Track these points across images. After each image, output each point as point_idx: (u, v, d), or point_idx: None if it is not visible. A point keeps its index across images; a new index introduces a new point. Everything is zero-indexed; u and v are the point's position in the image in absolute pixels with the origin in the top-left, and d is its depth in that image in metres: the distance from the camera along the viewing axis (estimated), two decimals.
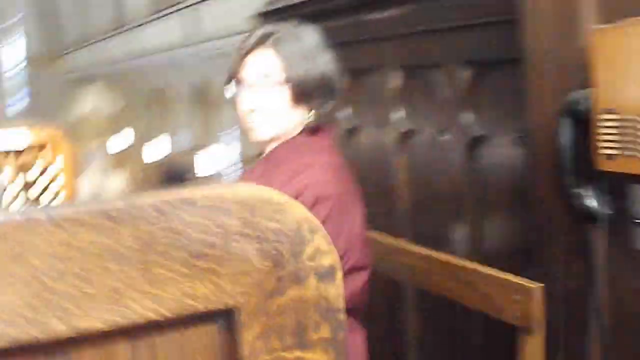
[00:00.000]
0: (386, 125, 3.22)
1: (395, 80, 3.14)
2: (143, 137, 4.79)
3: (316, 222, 1.23)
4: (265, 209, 1.18)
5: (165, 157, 4.70)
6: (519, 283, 2.10)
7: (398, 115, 3.14)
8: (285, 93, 2.21)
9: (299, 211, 1.21)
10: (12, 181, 2.71)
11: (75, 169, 3.01)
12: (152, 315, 1.14)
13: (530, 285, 2.07)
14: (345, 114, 3.45)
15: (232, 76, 2.25)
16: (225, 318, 1.19)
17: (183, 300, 1.15)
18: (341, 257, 2.13)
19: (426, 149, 3.03)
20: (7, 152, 2.78)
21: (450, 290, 2.35)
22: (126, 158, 4.60)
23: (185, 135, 5.47)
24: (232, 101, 2.32)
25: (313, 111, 2.26)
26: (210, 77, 5.23)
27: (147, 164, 4.35)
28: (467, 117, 2.78)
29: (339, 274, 1.27)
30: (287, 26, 2.23)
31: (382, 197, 3.29)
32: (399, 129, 3.14)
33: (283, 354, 1.25)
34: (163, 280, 1.14)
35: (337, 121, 2.48)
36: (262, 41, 2.20)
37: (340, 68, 2.34)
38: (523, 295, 2.06)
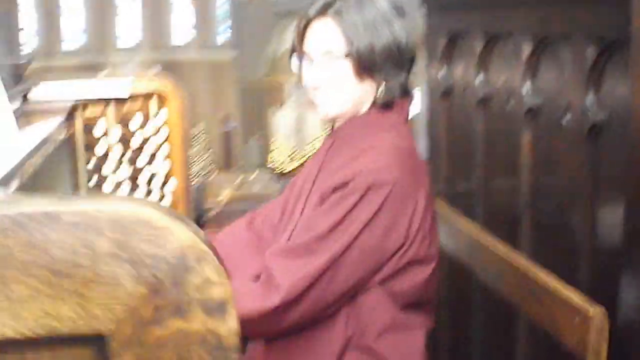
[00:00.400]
0: (515, 98, 2.89)
1: (525, 49, 2.80)
2: None
3: (206, 251, 1.07)
4: (142, 231, 1.05)
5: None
6: (579, 304, 1.79)
7: (526, 88, 2.81)
8: (349, 67, 2.00)
9: (185, 236, 1.06)
10: (105, 134, 2.78)
11: (184, 125, 3.06)
12: (10, 333, 1.06)
13: (589, 308, 1.75)
14: (479, 80, 3.16)
15: (294, 49, 2.09)
16: (97, 344, 1.09)
17: (45, 321, 1.06)
18: (398, 249, 1.96)
19: (549, 129, 2.69)
20: (107, 101, 2.80)
21: (520, 299, 2.08)
22: None
23: None
24: (298, 75, 2.16)
25: (383, 85, 2.02)
26: None
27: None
28: (590, 99, 2.41)
29: (232, 309, 1.11)
30: None
31: (504, 174, 2.99)
32: (526, 103, 2.81)
33: None
34: (22, 297, 1.05)
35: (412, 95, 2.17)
36: (322, 11, 2.00)
37: (422, 34, 2.10)
38: (581, 319, 1.75)
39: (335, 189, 1.96)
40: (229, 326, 1.09)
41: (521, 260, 2.16)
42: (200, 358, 1.08)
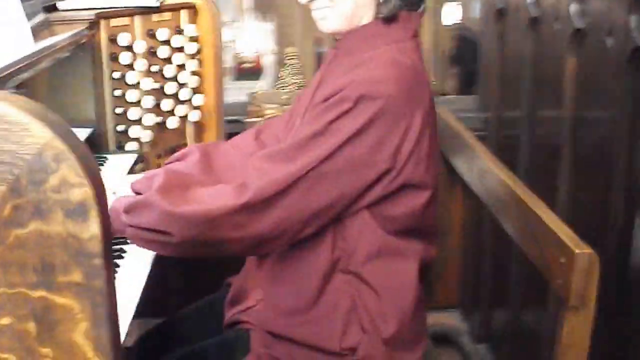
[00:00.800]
0: (561, 20, 2.69)
1: None
2: None
3: (65, 150, 1.03)
4: None
5: (458, 22, 4.33)
6: (566, 243, 1.65)
7: (573, 8, 2.60)
8: None
9: (42, 134, 1.02)
10: (131, 44, 2.72)
11: (215, 41, 2.95)
12: None
13: (575, 248, 1.61)
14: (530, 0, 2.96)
15: None
16: None
17: None
18: (388, 170, 1.88)
19: (593, 53, 2.49)
20: (135, 12, 2.73)
21: (519, 234, 1.94)
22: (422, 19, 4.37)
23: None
24: None
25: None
26: None
27: (444, 26, 4.09)
28: (634, 20, 2.22)
29: (95, 213, 1.07)
30: None
31: (549, 102, 2.82)
32: (572, 24, 2.60)
33: (25, 290, 1.11)
34: None
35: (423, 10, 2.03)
36: None
37: None
38: (567, 259, 1.61)
39: (325, 99, 1.88)
40: (91, 231, 1.06)
41: (525, 193, 2.02)
42: (63, 262, 1.06)
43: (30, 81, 2.59)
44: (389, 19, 1.98)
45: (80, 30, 2.53)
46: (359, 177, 1.86)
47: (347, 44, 2.02)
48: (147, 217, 1.80)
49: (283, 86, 3.76)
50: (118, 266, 2.08)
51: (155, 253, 2.09)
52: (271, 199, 1.82)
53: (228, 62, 3.90)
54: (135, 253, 2.12)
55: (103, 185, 1.08)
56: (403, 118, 1.87)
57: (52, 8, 2.68)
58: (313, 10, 2.02)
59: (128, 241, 2.16)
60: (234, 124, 3.44)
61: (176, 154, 2.23)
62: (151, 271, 2.03)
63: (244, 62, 4.05)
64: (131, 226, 1.83)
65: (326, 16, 1.99)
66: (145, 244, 1.86)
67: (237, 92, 3.74)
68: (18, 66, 2.07)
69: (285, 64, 3.79)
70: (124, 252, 2.17)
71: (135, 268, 2.07)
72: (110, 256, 1.10)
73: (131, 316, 1.74)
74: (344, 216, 1.93)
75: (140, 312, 1.82)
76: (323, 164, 1.82)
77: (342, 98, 1.83)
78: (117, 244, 2.19)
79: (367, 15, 1.99)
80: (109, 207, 1.91)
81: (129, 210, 1.83)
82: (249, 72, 3.98)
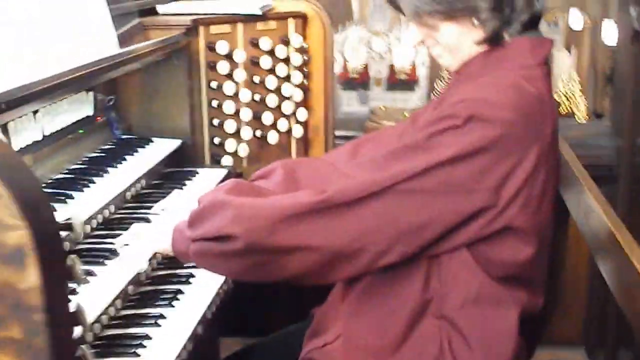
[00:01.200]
0: None
1: None
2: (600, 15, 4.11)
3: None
4: None
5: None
6: None
7: None
8: (431, 20, 1.77)
9: None
10: (231, 53, 2.54)
11: (326, 53, 2.75)
12: None
13: None
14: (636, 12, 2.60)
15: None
16: None
17: None
18: (487, 207, 1.64)
19: None
20: (237, 19, 2.56)
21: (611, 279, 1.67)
22: (581, 36, 4.09)
23: None
24: None
25: (476, 21, 1.74)
26: None
27: (605, 46, 3.81)
28: None
29: (33, 260, 0.88)
30: None
31: None
32: None
33: None
34: None
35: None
36: None
37: None
38: None
39: (436, 114, 1.69)
40: (28, 280, 0.87)
41: (625, 239, 1.67)
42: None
43: (121, 87, 2.52)
44: (496, 41, 1.77)
45: (174, 36, 2.41)
46: (453, 205, 1.63)
47: (468, 70, 1.81)
48: (212, 222, 1.66)
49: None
50: (182, 293, 1.93)
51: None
52: (350, 204, 1.62)
53: (382, 72, 3.90)
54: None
55: (52, 227, 0.89)
56: (515, 150, 1.64)
57: (152, 12, 2.58)
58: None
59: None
60: (347, 140, 3.23)
61: (259, 172, 2.05)
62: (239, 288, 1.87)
63: (398, 73, 3.97)
64: (194, 240, 1.69)
65: (440, 54, 1.84)
66: (210, 259, 1.70)
67: (389, 103, 3.74)
68: (93, 68, 1.96)
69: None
70: (193, 276, 2.02)
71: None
72: (61, 311, 0.90)
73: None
74: (440, 252, 1.70)
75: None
76: (415, 179, 1.62)
77: (450, 114, 1.64)
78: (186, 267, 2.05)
79: (473, 43, 1.78)
80: (168, 227, 1.85)
81: (192, 221, 1.71)
82: (403, 83, 3.93)
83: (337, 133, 3.11)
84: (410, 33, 1.84)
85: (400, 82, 3.97)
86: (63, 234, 1.38)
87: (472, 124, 1.61)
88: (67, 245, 1.06)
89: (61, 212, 1.89)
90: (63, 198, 1.94)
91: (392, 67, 3.90)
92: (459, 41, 1.78)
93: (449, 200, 1.63)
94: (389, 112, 3.33)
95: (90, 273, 1.76)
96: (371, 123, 3.32)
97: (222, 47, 2.57)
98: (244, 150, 2.69)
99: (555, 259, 2.89)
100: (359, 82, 4.39)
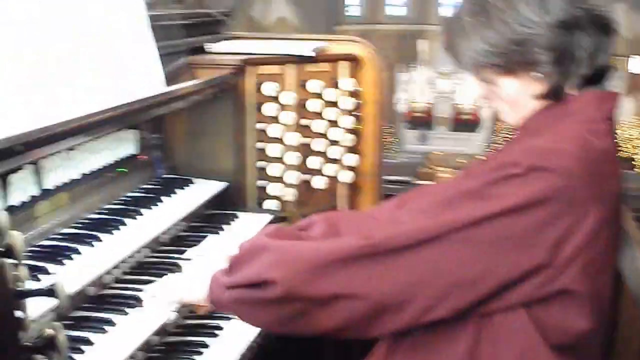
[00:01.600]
0: None
1: None
2: None
3: None
4: None
5: None
6: None
7: None
8: (489, 74, 1.69)
9: None
10: (279, 94, 2.48)
11: (378, 96, 2.66)
12: None
13: None
14: None
15: None
16: None
17: None
18: (543, 266, 1.52)
19: None
20: (287, 60, 2.50)
21: None
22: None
23: None
24: None
25: (536, 75, 1.65)
26: None
27: None
28: None
29: None
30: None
31: None
32: None
33: None
34: None
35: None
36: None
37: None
38: None
39: (493, 163, 1.60)
40: None
41: None
42: None
43: (167, 125, 2.48)
44: (558, 96, 1.66)
45: (222, 76, 2.36)
46: (509, 260, 1.52)
47: (530, 125, 1.71)
48: (249, 267, 1.58)
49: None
50: (206, 347, 1.84)
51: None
52: (399, 252, 1.52)
53: (447, 112, 3.89)
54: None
55: None
56: (578, 205, 1.52)
57: (201, 50, 2.55)
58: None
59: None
60: (398, 185, 3.13)
61: (300, 223, 1.94)
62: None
63: (462, 114, 3.99)
64: (230, 287, 1.61)
65: (501, 109, 1.76)
66: (246, 307, 1.61)
67: (452, 143, 3.72)
68: (136, 106, 1.93)
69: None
70: (220, 328, 1.94)
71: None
72: None
73: None
74: (493, 310, 1.57)
75: None
76: (470, 229, 1.51)
77: (511, 162, 1.54)
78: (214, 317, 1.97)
79: (533, 98, 1.68)
80: (205, 276, 1.77)
81: (230, 267, 1.64)
82: (467, 123, 3.90)
83: (389, 178, 3.02)
84: (473, 86, 1.76)
85: (464, 123, 3.93)
86: (47, 301, 1.29)
87: (534, 173, 1.51)
88: (51, 315, 0.98)
89: (86, 256, 1.84)
90: (90, 241, 1.89)
91: (456, 107, 3.85)
92: (519, 95, 1.70)
93: (504, 254, 1.52)
94: (444, 158, 3.22)
95: (109, 322, 1.69)
96: (425, 169, 3.20)
97: (270, 88, 2.50)
98: (289, 195, 2.61)
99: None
100: (423, 121, 4.33)
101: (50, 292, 1.01)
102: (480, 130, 3.79)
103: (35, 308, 1.38)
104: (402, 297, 1.53)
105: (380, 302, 1.54)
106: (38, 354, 1.01)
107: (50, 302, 1.45)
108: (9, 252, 1.01)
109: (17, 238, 1.01)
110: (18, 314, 0.99)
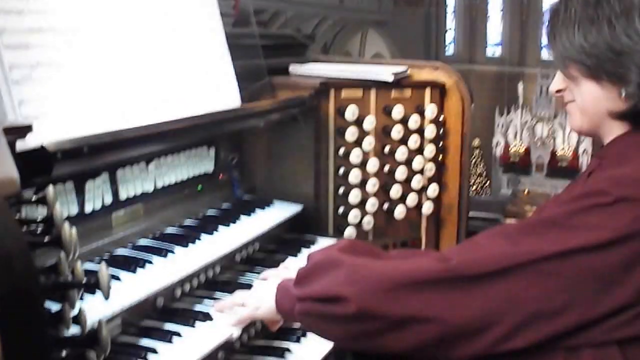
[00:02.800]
0: None
1: None
2: None
3: None
4: None
5: None
6: None
7: None
8: (575, 71, 1.58)
9: None
10: (361, 120, 2.40)
11: (463, 127, 2.55)
12: None
13: None
14: None
15: None
16: None
17: None
18: (626, 306, 1.40)
19: None
20: (370, 85, 2.43)
21: None
22: None
23: None
24: None
25: (620, 92, 1.54)
26: None
27: None
28: None
29: None
30: None
31: None
32: None
33: None
34: None
35: None
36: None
37: None
38: None
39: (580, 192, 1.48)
40: None
41: None
42: None
43: (247, 146, 2.47)
44: (635, 119, 1.56)
45: (300, 96, 2.33)
46: (592, 297, 1.41)
47: (613, 151, 1.60)
48: (322, 281, 1.54)
49: None
50: None
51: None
52: (477, 278, 1.44)
53: (544, 158, 3.75)
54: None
55: (11, 287, 0.78)
56: None
57: (284, 71, 2.54)
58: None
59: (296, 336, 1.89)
60: (485, 222, 3.02)
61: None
62: None
63: (559, 160, 3.82)
64: (300, 300, 1.57)
65: (572, 111, 1.65)
66: (316, 321, 1.57)
67: (548, 189, 3.54)
68: (209, 119, 1.92)
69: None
70: (289, 351, 1.87)
71: None
72: None
73: None
74: (580, 344, 1.45)
75: None
76: (552, 261, 1.41)
77: (598, 191, 1.44)
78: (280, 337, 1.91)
79: (609, 113, 1.57)
80: (274, 284, 1.72)
81: (301, 279, 1.59)
82: (564, 170, 3.73)
83: (475, 214, 2.91)
84: (555, 79, 1.66)
85: (561, 169, 3.77)
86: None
87: (623, 203, 1.41)
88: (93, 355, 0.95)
89: (158, 266, 1.84)
90: (164, 252, 1.88)
91: (553, 152, 3.69)
92: (595, 104, 1.59)
93: (588, 291, 1.41)
94: (532, 197, 3.09)
95: (176, 333, 1.67)
96: (513, 207, 3.08)
97: (352, 113, 2.46)
98: (368, 223, 2.55)
99: None
100: (519, 166, 4.22)
101: (94, 285, 0.98)
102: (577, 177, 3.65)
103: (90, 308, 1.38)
104: (479, 324, 1.45)
105: (455, 328, 1.46)
106: (80, 347, 0.98)
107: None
108: (59, 240, 0.99)
109: (65, 229, 0.99)
110: (56, 307, 0.97)
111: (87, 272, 1.10)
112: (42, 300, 0.90)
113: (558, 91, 1.66)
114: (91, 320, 1.11)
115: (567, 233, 1.42)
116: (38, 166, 1.08)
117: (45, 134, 1.43)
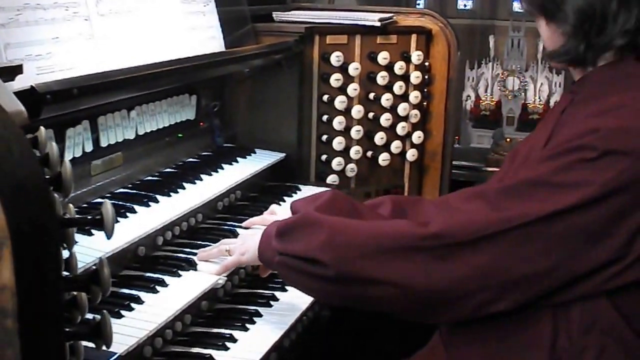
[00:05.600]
0: None
1: None
2: None
3: None
4: None
5: None
6: None
7: None
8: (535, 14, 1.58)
9: None
10: (346, 66, 2.36)
11: (448, 73, 2.50)
12: None
13: None
14: None
15: None
16: None
17: None
18: (615, 259, 1.37)
19: None
20: (354, 31, 2.37)
21: None
22: None
23: None
24: None
25: (558, 30, 1.52)
26: None
27: None
28: None
29: (7, 254, 0.71)
30: None
31: None
32: None
33: None
34: None
35: None
36: None
37: None
38: None
39: (560, 144, 1.43)
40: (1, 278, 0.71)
41: None
42: None
43: (228, 94, 2.41)
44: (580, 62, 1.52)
45: (285, 42, 2.27)
46: (578, 255, 1.37)
47: (588, 87, 1.54)
48: (301, 241, 1.51)
49: None
50: (259, 316, 1.75)
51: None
52: (458, 246, 1.40)
53: (515, 111, 3.86)
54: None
55: (28, 217, 0.73)
56: None
57: (268, 18, 2.46)
58: None
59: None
60: (466, 171, 2.99)
61: (367, 203, 1.83)
62: None
63: (531, 113, 3.90)
64: (280, 253, 1.55)
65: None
66: (294, 275, 1.54)
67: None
68: (194, 63, 1.86)
69: None
70: (275, 299, 1.84)
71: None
72: (36, 320, 0.74)
73: None
74: (567, 300, 1.42)
75: None
76: (541, 224, 1.36)
77: (581, 145, 1.37)
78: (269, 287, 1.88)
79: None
80: (261, 230, 1.70)
81: (281, 232, 1.56)
82: (536, 122, 3.73)
83: (457, 163, 2.88)
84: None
85: (532, 122, 3.76)
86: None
87: (608, 157, 1.36)
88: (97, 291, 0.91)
89: (142, 215, 1.80)
90: (146, 201, 1.83)
91: (525, 106, 3.67)
92: (549, 43, 1.57)
93: (576, 248, 1.37)
94: (514, 145, 3.06)
95: (160, 282, 1.62)
96: (494, 155, 3.06)
97: (336, 59, 2.40)
98: (351, 170, 2.51)
99: None
100: (490, 119, 4.18)
101: (97, 221, 0.93)
102: None
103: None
104: (459, 292, 1.42)
105: (434, 293, 1.43)
106: (80, 289, 0.94)
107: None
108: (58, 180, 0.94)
109: (66, 167, 0.94)
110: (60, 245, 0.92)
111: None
112: (58, 233, 0.86)
113: None
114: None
115: (553, 193, 1.37)
116: (27, 108, 1.02)
117: (30, 78, 1.38)
